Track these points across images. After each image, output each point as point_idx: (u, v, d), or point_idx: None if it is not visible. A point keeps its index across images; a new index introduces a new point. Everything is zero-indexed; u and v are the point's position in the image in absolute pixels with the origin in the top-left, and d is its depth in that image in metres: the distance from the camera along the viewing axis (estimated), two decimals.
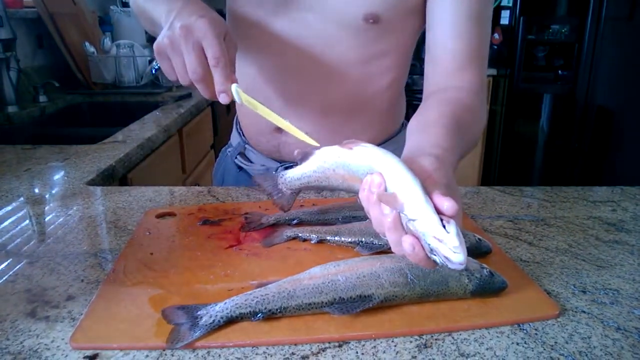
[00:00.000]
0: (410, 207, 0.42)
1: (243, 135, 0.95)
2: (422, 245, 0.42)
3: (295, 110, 0.82)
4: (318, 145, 0.53)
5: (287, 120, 0.60)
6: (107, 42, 2.14)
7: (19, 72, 1.76)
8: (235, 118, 0.99)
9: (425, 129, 0.56)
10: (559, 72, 2.91)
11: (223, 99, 0.61)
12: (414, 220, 0.42)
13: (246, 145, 0.93)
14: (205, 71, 0.60)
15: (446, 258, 0.41)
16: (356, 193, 0.50)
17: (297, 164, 0.85)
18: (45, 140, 1.22)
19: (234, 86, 0.61)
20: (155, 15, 0.69)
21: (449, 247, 0.41)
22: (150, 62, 2.18)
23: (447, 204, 0.41)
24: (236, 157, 0.95)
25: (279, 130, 0.84)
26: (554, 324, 0.51)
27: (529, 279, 0.58)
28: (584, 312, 0.53)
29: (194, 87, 0.62)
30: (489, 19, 0.72)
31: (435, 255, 0.42)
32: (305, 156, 0.56)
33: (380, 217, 0.44)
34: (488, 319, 0.51)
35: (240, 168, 0.95)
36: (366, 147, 0.48)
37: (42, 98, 1.83)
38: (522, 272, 0.60)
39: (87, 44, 2.05)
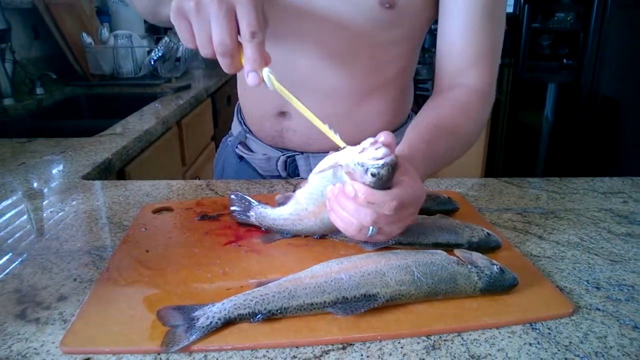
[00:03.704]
0: (343, 160, 0.50)
1: (244, 123, 0.92)
2: (360, 180, 0.48)
3: (303, 93, 0.79)
4: (345, 145, 0.52)
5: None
6: (105, 32, 2.11)
7: (14, 63, 1.73)
8: (236, 106, 0.97)
9: (406, 133, 0.62)
10: (564, 61, 2.86)
11: (252, 79, 0.52)
12: (346, 165, 0.49)
13: (247, 134, 0.91)
14: (235, 44, 0.51)
15: (374, 159, 0.47)
16: (327, 229, 0.57)
17: (300, 154, 0.84)
18: (42, 133, 1.20)
19: (266, 70, 0.52)
20: None
21: (370, 148, 0.48)
22: (149, 52, 2.15)
23: (380, 138, 0.49)
24: (237, 147, 0.92)
25: (282, 114, 0.82)
26: (567, 323, 0.49)
27: (541, 275, 0.56)
28: (599, 309, 0.51)
29: (214, 58, 0.53)
30: (503, 14, 0.71)
31: (367, 166, 0.47)
32: (285, 200, 0.61)
33: (349, 214, 0.49)
34: (499, 318, 0.48)
35: (241, 158, 0.93)
36: (320, 168, 0.54)
37: (39, 90, 1.80)
38: (533, 267, 0.58)
39: (84, 34, 2.01)
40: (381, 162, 0.47)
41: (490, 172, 3.11)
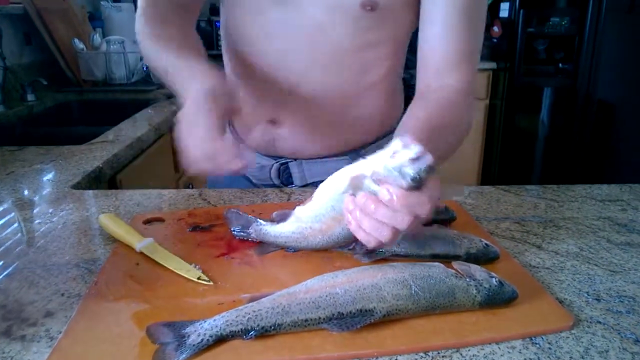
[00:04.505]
0: (367, 169, 0.48)
1: (236, 132, 0.91)
2: (395, 184, 0.46)
3: (291, 98, 0.79)
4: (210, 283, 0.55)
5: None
6: (97, 38, 2.09)
7: (5, 70, 1.70)
8: None
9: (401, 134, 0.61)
10: (560, 65, 2.86)
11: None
12: (375, 173, 0.47)
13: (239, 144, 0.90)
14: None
15: (410, 161, 0.45)
16: (335, 244, 0.56)
17: (293, 160, 0.83)
18: (33, 141, 1.18)
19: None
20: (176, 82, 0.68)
21: (403, 149, 0.45)
22: (142, 58, 2.13)
23: (411, 146, 0.47)
24: None
25: (273, 122, 0.81)
26: (568, 337, 0.48)
27: (540, 287, 0.55)
28: (599, 322, 0.50)
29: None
30: (483, 15, 0.72)
31: (404, 169, 0.45)
32: (283, 217, 0.59)
33: (376, 221, 0.48)
34: (498, 332, 0.47)
35: None
36: (321, 186, 0.53)
37: (30, 97, 1.78)
38: (532, 279, 0.56)
39: (76, 40, 2.00)
40: (422, 165, 0.44)
41: (486, 177, 3.11)
